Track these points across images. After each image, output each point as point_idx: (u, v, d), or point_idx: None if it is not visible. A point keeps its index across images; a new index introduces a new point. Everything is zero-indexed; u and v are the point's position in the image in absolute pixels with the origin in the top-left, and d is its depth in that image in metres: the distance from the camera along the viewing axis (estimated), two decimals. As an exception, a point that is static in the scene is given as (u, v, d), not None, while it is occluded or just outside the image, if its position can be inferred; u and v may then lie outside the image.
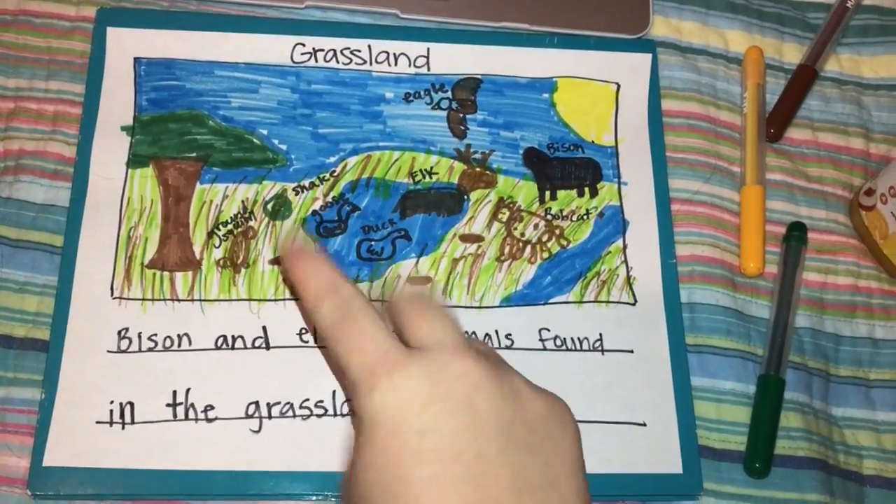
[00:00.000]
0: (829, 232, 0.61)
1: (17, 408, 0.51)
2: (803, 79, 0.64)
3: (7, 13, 0.60)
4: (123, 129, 0.58)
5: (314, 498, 0.51)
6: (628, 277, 0.57)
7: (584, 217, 0.59)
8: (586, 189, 0.60)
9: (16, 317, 0.53)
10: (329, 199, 0.58)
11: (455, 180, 0.59)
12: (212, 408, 0.52)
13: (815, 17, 0.66)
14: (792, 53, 0.65)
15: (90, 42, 0.59)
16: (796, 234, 0.59)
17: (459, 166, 0.59)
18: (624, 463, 0.53)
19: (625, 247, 0.58)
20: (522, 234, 0.58)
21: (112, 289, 0.54)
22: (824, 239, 0.60)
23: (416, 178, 0.59)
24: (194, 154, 0.57)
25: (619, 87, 0.62)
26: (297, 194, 0.57)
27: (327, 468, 0.51)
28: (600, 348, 0.55)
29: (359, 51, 0.61)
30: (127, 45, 0.59)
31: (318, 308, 0.40)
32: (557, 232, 0.58)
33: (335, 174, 0.58)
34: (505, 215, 0.59)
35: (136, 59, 0.59)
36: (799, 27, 0.66)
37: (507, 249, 0.58)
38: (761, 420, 0.54)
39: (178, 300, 0.54)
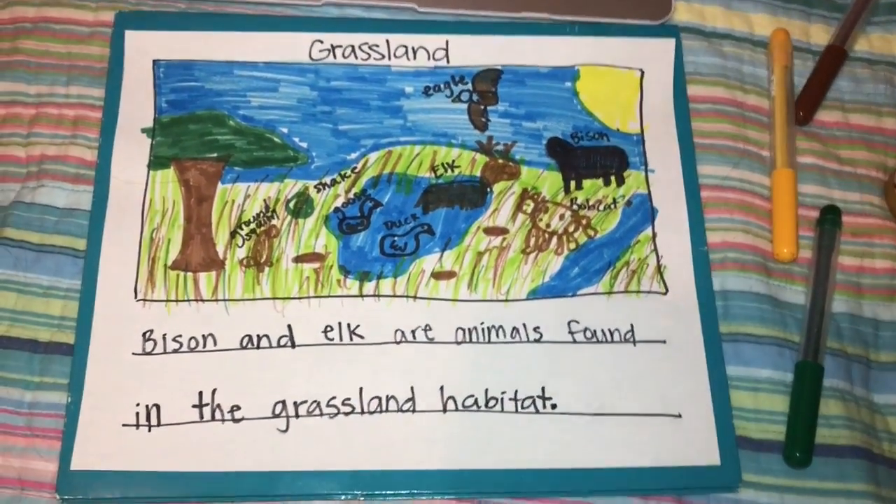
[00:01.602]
0: (865, 214, 0.59)
1: (44, 412, 0.51)
2: (832, 60, 0.62)
3: (27, 20, 0.61)
4: (144, 131, 0.57)
5: (343, 497, 0.50)
6: (659, 266, 0.56)
7: (612, 206, 0.58)
8: (613, 177, 0.59)
9: (41, 321, 0.53)
10: (351, 195, 0.57)
11: (477, 173, 0.58)
12: (238, 408, 0.51)
13: (843, -3, 0.65)
14: (819, 35, 0.64)
15: (109, 46, 0.60)
16: (830, 217, 0.57)
17: (482, 159, 0.59)
18: (659, 456, 0.51)
19: (654, 235, 0.57)
20: (548, 226, 0.57)
21: (136, 291, 0.54)
22: (859, 222, 0.59)
23: (438, 172, 0.58)
24: (215, 154, 0.57)
25: (642, 73, 0.61)
26: (318, 192, 0.57)
27: (356, 467, 0.50)
28: (632, 339, 0.54)
29: (377, 46, 0.60)
30: (145, 48, 0.59)
31: None
32: (584, 222, 0.57)
33: (356, 170, 0.58)
34: (530, 207, 0.58)
35: (155, 62, 0.59)
36: (826, 7, 0.65)
37: (532, 241, 0.57)
38: (800, 408, 0.52)
39: (203, 300, 0.54)
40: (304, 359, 0.52)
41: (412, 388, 0.52)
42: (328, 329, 0.53)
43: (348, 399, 0.52)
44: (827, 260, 0.56)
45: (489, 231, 0.57)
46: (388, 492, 0.50)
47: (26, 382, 0.51)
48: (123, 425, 0.50)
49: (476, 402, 0.52)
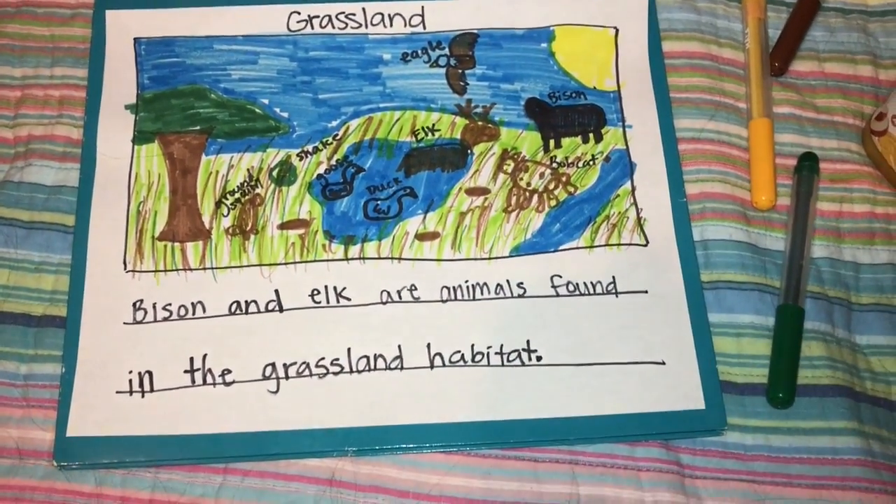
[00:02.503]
0: (842, 161, 0.59)
1: (39, 383, 0.52)
2: (806, 10, 0.63)
3: (10, 5, 0.62)
4: (127, 107, 0.58)
5: (334, 454, 0.51)
6: (639, 219, 0.57)
7: (591, 162, 0.58)
8: (591, 135, 0.59)
9: (33, 296, 0.54)
10: (333, 162, 0.58)
11: (458, 135, 0.59)
12: (229, 371, 0.52)
13: (815, -51, 0.65)
14: (793, -13, 0.64)
15: (91, 27, 0.60)
16: (807, 163, 0.58)
17: (461, 121, 0.59)
18: (645, 402, 0.52)
19: (633, 189, 0.58)
20: (529, 184, 0.58)
21: (125, 263, 0.55)
22: (837, 168, 0.59)
23: (419, 136, 0.59)
24: (198, 127, 0.58)
25: (617, 31, 0.62)
26: (301, 160, 0.58)
27: (346, 424, 0.51)
28: (614, 291, 0.55)
29: (353, 14, 0.61)
30: (126, 27, 0.60)
31: None
32: (564, 179, 0.58)
33: (338, 138, 0.58)
34: (510, 166, 0.58)
35: (136, 40, 0.60)
36: (798, -40, 0.65)
37: (513, 200, 0.57)
38: (782, 350, 0.53)
39: (191, 270, 0.55)
40: (292, 322, 0.53)
41: (399, 347, 0.53)
42: (315, 292, 0.54)
43: (337, 359, 0.52)
44: (805, 205, 0.57)
45: (471, 192, 0.58)
46: (378, 447, 0.51)
47: (21, 355, 0.53)
48: (117, 392, 0.51)
49: (462, 357, 0.53)
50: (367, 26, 0.61)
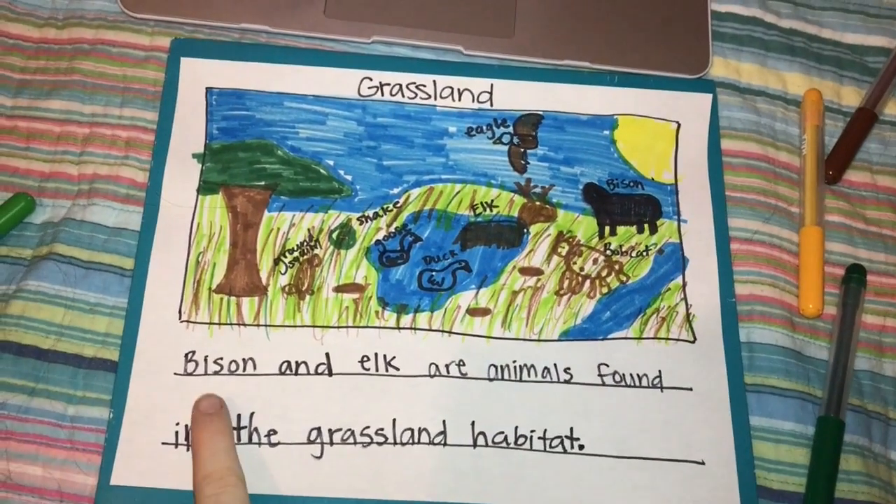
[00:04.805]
0: (889, 275, 0.60)
1: (85, 426, 0.52)
2: (862, 122, 0.64)
3: (85, 42, 0.62)
4: (194, 156, 0.59)
5: (373, 525, 0.51)
6: (688, 315, 0.58)
7: (644, 253, 0.59)
8: (646, 225, 0.60)
9: (86, 336, 0.54)
10: (392, 229, 0.59)
11: (515, 213, 0.60)
12: (275, 432, 0.52)
13: (875, 62, 0.67)
14: (850, 97, 0.66)
15: (163, 71, 0.61)
16: (855, 276, 0.59)
17: (520, 200, 0.60)
18: (681, 501, 0.52)
19: (684, 284, 0.59)
20: (582, 269, 0.59)
21: (180, 312, 0.55)
22: (883, 282, 0.60)
23: (477, 211, 0.60)
24: (263, 182, 0.59)
25: (679, 125, 0.63)
26: (361, 224, 0.58)
27: (386, 496, 0.51)
28: (659, 385, 0.56)
29: (424, 86, 0.62)
30: (199, 75, 0.61)
31: (202, 489, 0.48)
32: (617, 267, 0.59)
33: (398, 205, 0.59)
34: (564, 249, 0.59)
35: (208, 89, 0.61)
36: (858, 71, 0.67)
37: (566, 283, 0.58)
38: (821, 462, 0.54)
39: (245, 325, 0.55)
40: (340, 387, 0.54)
41: (444, 422, 0.53)
42: (365, 359, 0.55)
43: (381, 429, 0.53)
44: (851, 318, 0.58)
45: (524, 271, 0.58)
46: (418, 523, 0.51)
47: (69, 396, 0.53)
48: (163, 443, 0.52)
49: (506, 438, 0.53)
50: (435, 98, 0.62)
